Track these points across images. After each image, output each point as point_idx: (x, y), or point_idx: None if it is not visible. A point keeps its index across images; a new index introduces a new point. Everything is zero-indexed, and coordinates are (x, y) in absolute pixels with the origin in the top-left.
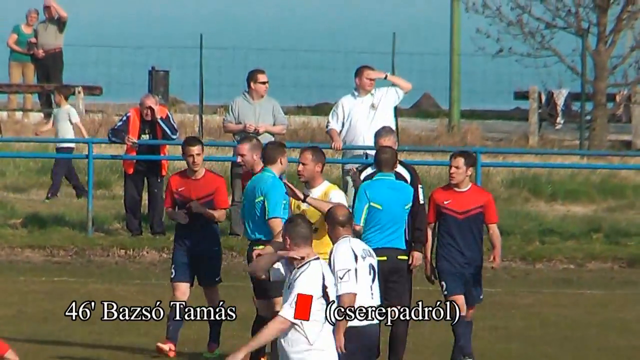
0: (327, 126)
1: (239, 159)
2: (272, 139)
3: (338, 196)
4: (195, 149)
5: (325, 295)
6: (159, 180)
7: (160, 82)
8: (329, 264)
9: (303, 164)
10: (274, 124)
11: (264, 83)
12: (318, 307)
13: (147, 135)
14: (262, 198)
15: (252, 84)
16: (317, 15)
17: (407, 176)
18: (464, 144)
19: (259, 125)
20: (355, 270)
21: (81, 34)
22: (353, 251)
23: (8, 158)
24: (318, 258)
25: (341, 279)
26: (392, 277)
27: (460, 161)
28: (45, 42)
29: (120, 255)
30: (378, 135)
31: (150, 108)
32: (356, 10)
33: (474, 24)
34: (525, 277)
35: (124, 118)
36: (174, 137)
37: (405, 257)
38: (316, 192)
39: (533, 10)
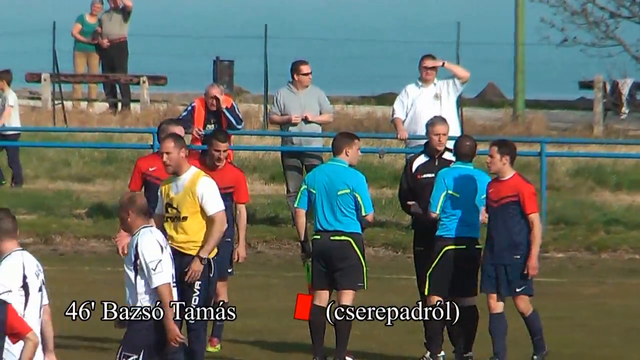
0: (392, 115)
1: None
2: (319, 129)
3: (207, 182)
4: (224, 145)
5: (25, 286)
6: None
7: (225, 71)
8: (141, 255)
9: (167, 154)
10: (320, 113)
11: (306, 74)
12: (18, 299)
13: (213, 125)
14: (348, 191)
15: (295, 76)
16: (382, 5)
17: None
18: (528, 133)
19: (304, 113)
20: (161, 261)
21: (146, 23)
22: (158, 242)
23: (73, 148)
24: (22, 249)
25: (154, 270)
26: (467, 266)
27: (494, 150)
28: (110, 31)
29: None
30: (431, 124)
31: (216, 98)
32: (421, 0)
33: (538, 14)
34: (590, 267)
35: (189, 108)
36: (239, 127)
37: (481, 246)
38: (185, 178)
39: (597, 0)
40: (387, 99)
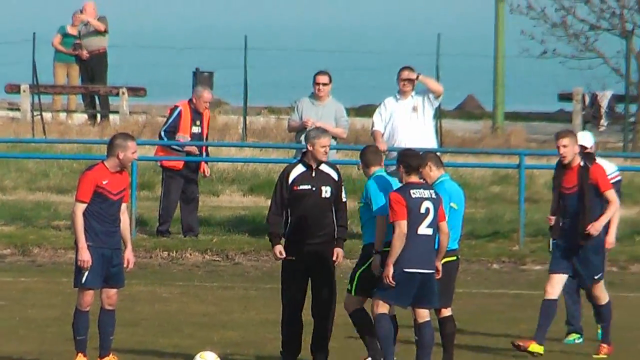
0: (371, 127)
1: None
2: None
3: None
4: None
5: None
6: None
7: (205, 83)
8: None
9: None
10: (336, 127)
11: (321, 84)
12: None
13: (198, 128)
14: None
15: (313, 86)
16: (363, 16)
17: (335, 176)
18: (507, 145)
19: (316, 121)
20: None
21: (126, 35)
22: None
23: (52, 159)
24: None
25: None
26: None
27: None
28: (90, 43)
29: (163, 257)
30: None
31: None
32: (401, 11)
33: (518, 26)
34: None
35: (175, 114)
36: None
37: None
38: None
39: (577, 12)
40: (367, 111)
